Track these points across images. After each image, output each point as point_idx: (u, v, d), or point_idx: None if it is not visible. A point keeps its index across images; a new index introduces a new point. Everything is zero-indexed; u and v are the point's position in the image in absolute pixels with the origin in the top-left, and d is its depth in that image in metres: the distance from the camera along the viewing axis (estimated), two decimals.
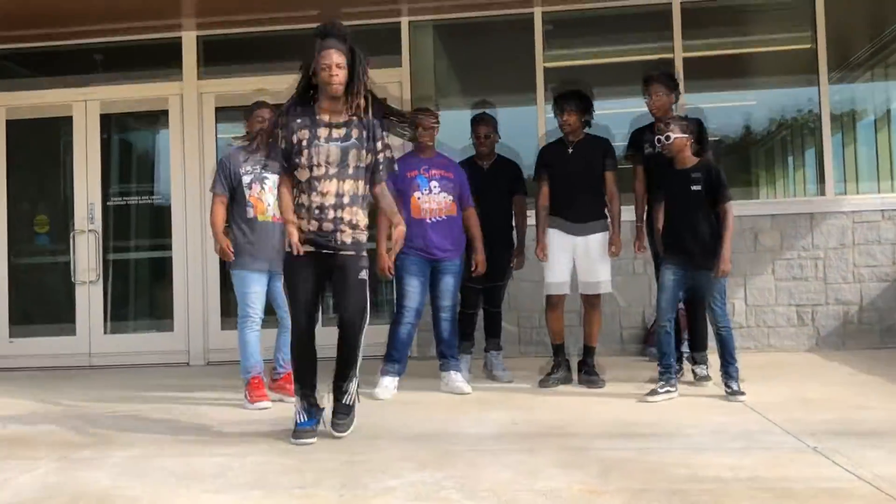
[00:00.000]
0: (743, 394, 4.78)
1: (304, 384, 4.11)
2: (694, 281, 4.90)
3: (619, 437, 3.88)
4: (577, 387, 5.39)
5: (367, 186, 4.14)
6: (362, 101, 4.05)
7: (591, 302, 5.48)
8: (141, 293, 8.52)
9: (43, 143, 8.40)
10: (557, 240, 5.45)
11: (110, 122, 8.24)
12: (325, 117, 4.06)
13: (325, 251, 4.02)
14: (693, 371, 5.46)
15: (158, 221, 8.15)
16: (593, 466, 3.33)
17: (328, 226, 3.99)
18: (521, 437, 3.99)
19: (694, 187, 4.86)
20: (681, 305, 5.46)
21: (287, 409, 4.85)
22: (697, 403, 4.72)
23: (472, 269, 5.54)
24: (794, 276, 7.15)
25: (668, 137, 4.90)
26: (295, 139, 4.03)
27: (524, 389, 5.38)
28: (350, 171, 4.03)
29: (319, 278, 4.08)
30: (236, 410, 4.98)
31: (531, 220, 5.84)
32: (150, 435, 4.32)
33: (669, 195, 5.01)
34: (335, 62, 3.94)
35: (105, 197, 8.10)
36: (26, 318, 8.18)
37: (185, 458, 3.75)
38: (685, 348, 6.02)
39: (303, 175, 4.03)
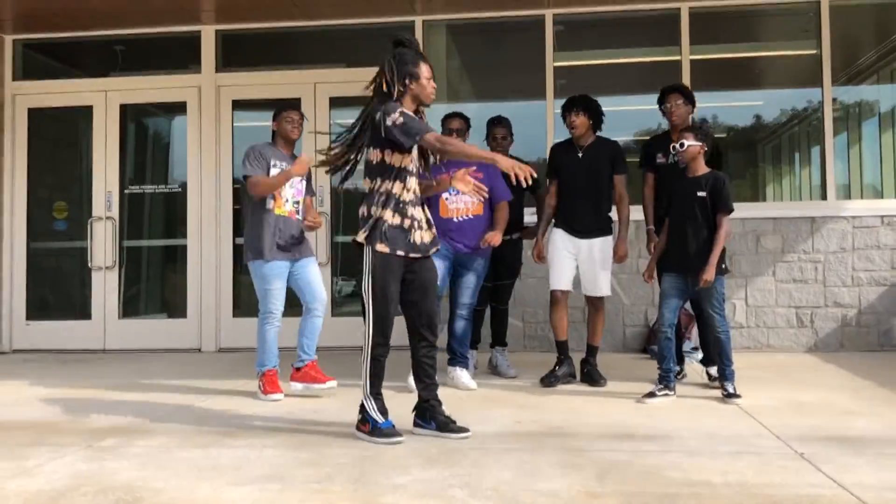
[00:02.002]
0: (738, 396, 4.96)
1: (379, 384, 4.16)
2: (693, 286, 5.06)
3: (617, 439, 4.06)
4: (579, 385, 5.58)
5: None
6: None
7: (593, 303, 5.67)
8: (155, 280, 8.74)
9: (64, 133, 8.63)
10: (562, 241, 5.63)
11: (129, 113, 8.44)
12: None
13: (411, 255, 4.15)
14: (707, 373, 5.62)
15: (174, 211, 8.37)
16: (591, 468, 3.52)
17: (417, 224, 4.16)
18: (523, 436, 4.17)
19: (700, 193, 5.02)
20: (688, 306, 5.65)
21: (304, 402, 5.09)
22: (695, 406, 4.90)
23: (481, 241, 5.55)
24: (794, 278, 7.33)
25: (682, 144, 5.06)
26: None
27: (528, 387, 5.57)
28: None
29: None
30: (250, 401, 5.17)
31: None
32: (170, 424, 4.53)
33: (675, 202, 5.17)
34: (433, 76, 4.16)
35: (123, 186, 8.33)
36: (43, 302, 8.42)
37: (205, 450, 3.95)
38: (688, 347, 6.24)
39: (406, 161, 4.11)
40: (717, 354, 5.21)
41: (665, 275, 5.21)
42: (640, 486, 3.27)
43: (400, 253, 4.10)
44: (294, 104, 5.62)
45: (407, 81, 4.08)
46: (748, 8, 7.76)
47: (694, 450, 3.83)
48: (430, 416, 4.22)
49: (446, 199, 5.56)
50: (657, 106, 5.78)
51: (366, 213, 4.14)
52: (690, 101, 5.70)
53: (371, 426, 4.09)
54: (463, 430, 4.16)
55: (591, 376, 5.58)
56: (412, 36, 4.35)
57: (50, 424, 4.60)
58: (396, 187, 4.10)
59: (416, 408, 4.29)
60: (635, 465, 3.55)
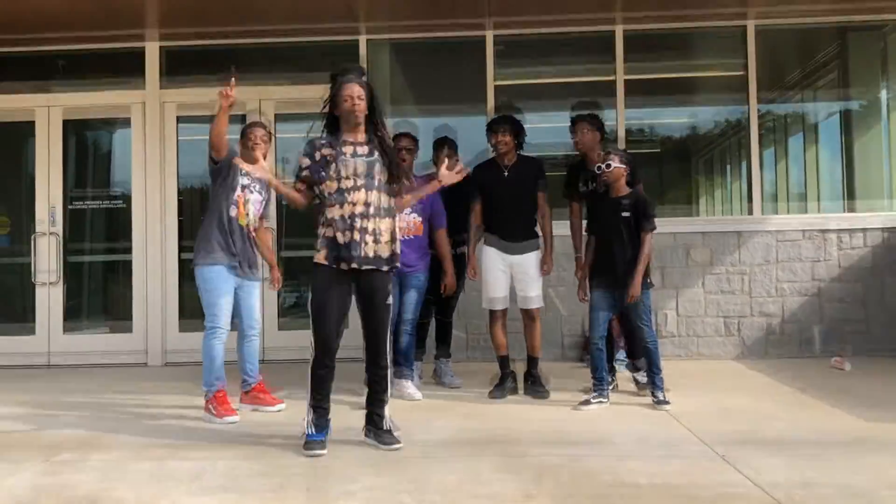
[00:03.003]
0: (668, 403, 5.27)
1: (320, 399, 4.34)
2: (621, 301, 5.34)
3: (555, 445, 4.32)
4: (521, 396, 5.79)
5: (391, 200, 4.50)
6: (383, 130, 4.52)
7: (529, 315, 5.88)
8: (101, 294, 8.74)
9: (5, 146, 8.58)
10: (493, 258, 5.84)
11: (73, 128, 8.45)
12: (350, 138, 4.45)
13: (352, 266, 4.33)
14: (634, 378, 5.90)
15: (119, 225, 8.38)
16: (529, 472, 3.76)
17: (356, 235, 4.33)
18: (467, 443, 4.41)
19: (624, 213, 5.33)
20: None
21: (253, 415, 5.24)
22: (628, 412, 5.19)
23: (442, 290, 5.94)
24: (722, 289, 7.70)
25: (608, 165, 5.34)
26: (318, 156, 4.40)
27: (472, 396, 5.80)
28: (376, 183, 4.41)
29: (347, 296, 4.41)
30: (199, 414, 5.26)
31: None
32: (123, 437, 4.65)
33: (601, 221, 5.48)
34: (357, 94, 4.39)
35: (66, 200, 8.32)
36: None
37: (160, 462, 4.09)
38: (621, 356, 6.52)
39: (331, 187, 4.38)
40: (646, 364, 5.49)
41: (594, 290, 5.49)
42: (574, 488, 3.52)
43: (342, 266, 4.32)
44: (260, 122, 5.65)
45: (331, 110, 4.48)
46: (679, 30, 8.12)
47: (625, 454, 4.10)
48: (372, 425, 4.43)
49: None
50: (569, 133, 6.04)
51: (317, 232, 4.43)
52: (598, 129, 5.97)
53: (305, 438, 4.28)
54: (394, 441, 4.33)
55: (536, 389, 5.79)
56: (347, 65, 4.62)
57: (2, 440, 4.67)
58: (334, 211, 4.36)
59: (366, 417, 4.49)
60: (570, 469, 3.81)
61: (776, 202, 8.11)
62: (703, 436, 4.44)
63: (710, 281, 7.71)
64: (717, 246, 7.72)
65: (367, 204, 4.36)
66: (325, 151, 4.42)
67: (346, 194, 4.36)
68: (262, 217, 5.61)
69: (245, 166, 4.71)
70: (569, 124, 6.05)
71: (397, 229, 4.52)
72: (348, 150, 4.41)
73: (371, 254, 4.35)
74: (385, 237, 4.41)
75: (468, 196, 6.19)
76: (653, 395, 5.35)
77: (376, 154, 4.44)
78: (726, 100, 8.38)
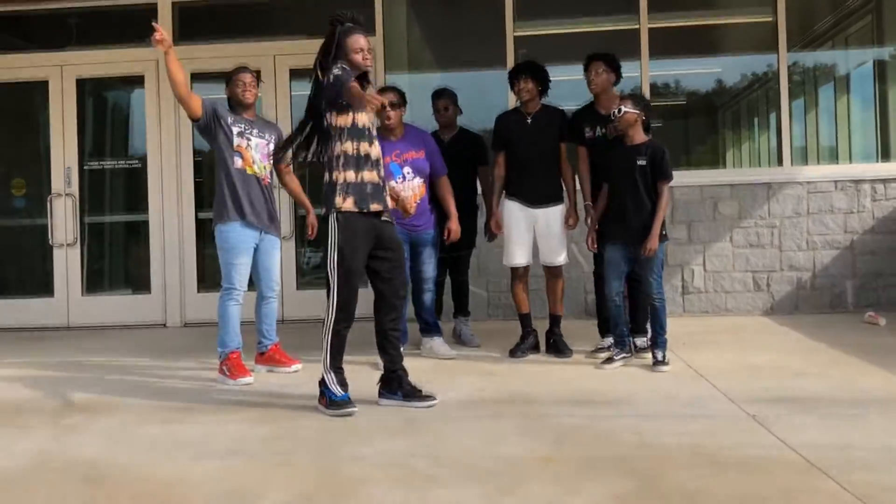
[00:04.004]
0: (666, 364, 5.02)
1: (340, 359, 4.21)
2: (635, 255, 5.14)
3: (576, 405, 4.17)
4: (542, 355, 5.64)
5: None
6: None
7: (552, 272, 5.67)
8: (118, 256, 8.67)
9: (20, 108, 8.47)
10: (517, 212, 5.62)
11: (86, 88, 8.32)
12: None
13: (381, 209, 4.25)
14: (633, 343, 5.54)
15: (135, 185, 8.28)
16: (550, 434, 3.61)
17: (381, 173, 4.28)
18: (486, 404, 4.26)
19: (640, 161, 5.07)
20: None
21: (268, 377, 5.13)
22: (649, 371, 5.00)
23: (445, 237, 5.74)
24: (750, 243, 7.46)
25: (619, 111, 5.09)
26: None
27: (491, 355, 5.65)
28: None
29: (369, 248, 4.26)
30: (213, 376, 5.14)
31: None
32: (133, 400, 4.56)
33: (614, 171, 5.21)
34: (369, 47, 4.25)
35: (82, 161, 8.22)
36: (4, 280, 8.33)
37: (167, 426, 3.99)
38: None
39: (360, 120, 4.21)
40: (651, 323, 5.23)
41: (608, 245, 5.25)
42: (596, 449, 3.37)
43: (371, 208, 4.18)
44: (245, 66, 5.40)
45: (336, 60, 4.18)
46: None
47: (650, 413, 3.94)
48: (396, 386, 4.29)
49: (393, 186, 5.52)
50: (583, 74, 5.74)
51: (326, 181, 4.23)
52: (614, 70, 5.65)
53: (328, 399, 4.15)
54: (429, 397, 4.23)
55: (557, 347, 5.60)
56: (347, 12, 4.33)
57: (12, 404, 4.60)
58: (349, 147, 4.18)
59: (382, 379, 4.35)
60: (592, 430, 3.66)
61: (805, 154, 7.82)
62: (732, 394, 4.26)
63: (739, 235, 7.47)
64: (746, 198, 7.47)
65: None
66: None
67: (366, 132, 4.23)
68: (281, 161, 5.32)
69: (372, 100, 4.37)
70: (583, 64, 5.77)
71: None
72: None
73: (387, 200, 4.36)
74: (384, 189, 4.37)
75: (476, 156, 6.01)
76: (653, 355, 5.11)
77: None
78: (754, 48, 8.07)
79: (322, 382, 4.19)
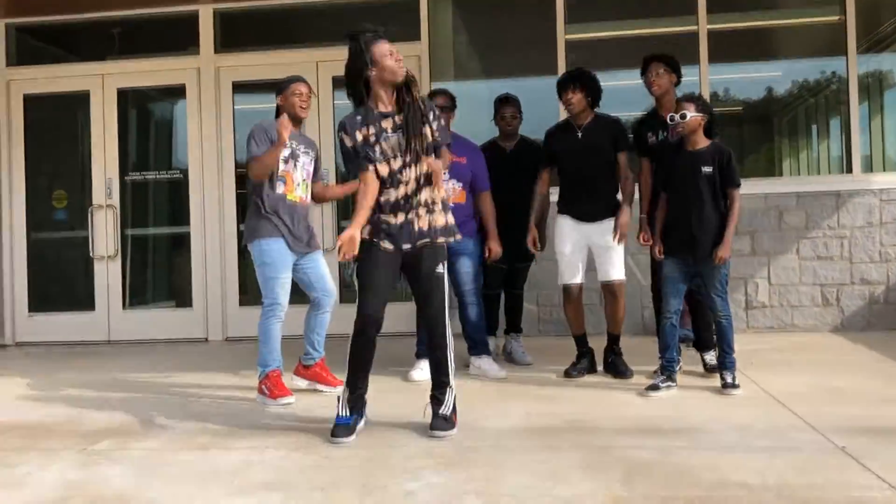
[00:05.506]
0: (737, 387, 4.65)
1: (358, 376, 3.97)
2: (698, 270, 4.76)
3: (642, 434, 3.81)
4: (599, 376, 5.27)
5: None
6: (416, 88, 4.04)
7: (611, 291, 5.30)
8: (159, 269, 8.51)
9: (61, 119, 8.39)
10: (568, 229, 5.30)
11: (128, 98, 8.19)
12: (383, 108, 3.98)
13: (404, 248, 3.95)
14: (703, 360, 5.27)
15: (176, 197, 8.13)
16: (616, 469, 3.27)
17: (410, 215, 3.95)
18: (542, 432, 3.93)
19: (705, 168, 4.70)
20: None
21: (310, 398, 4.85)
22: (719, 395, 4.63)
23: (486, 255, 5.47)
24: (818, 255, 7.05)
25: (683, 116, 4.73)
26: (360, 138, 3.94)
27: (544, 377, 5.31)
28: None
29: (396, 267, 4.02)
30: (253, 395, 4.89)
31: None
32: (169, 423, 4.31)
33: (676, 179, 4.82)
34: (396, 50, 3.95)
35: (123, 172, 8.09)
36: (46, 294, 8.21)
37: (204, 453, 3.72)
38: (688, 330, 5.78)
39: (382, 171, 3.94)
40: (718, 342, 4.85)
41: (666, 258, 4.88)
42: (672, 488, 3.02)
43: (387, 246, 3.93)
44: (300, 77, 5.12)
45: (367, 73, 3.91)
46: None
47: (727, 445, 3.57)
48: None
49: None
50: (640, 78, 5.43)
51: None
52: (674, 71, 5.33)
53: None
54: (440, 428, 3.89)
55: (616, 367, 5.25)
56: (363, 25, 4.04)
57: (44, 426, 4.37)
58: (389, 194, 3.95)
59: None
60: (664, 465, 3.30)
61: (871, 162, 7.36)
62: (814, 422, 3.87)
63: (806, 246, 7.05)
64: (813, 208, 7.05)
65: (417, 179, 3.95)
66: (365, 132, 3.94)
67: (398, 175, 3.92)
68: (317, 180, 5.18)
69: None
70: (641, 67, 5.43)
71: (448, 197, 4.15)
72: (387, 124, 3.96)
73: (426, 226, 3.96)
74: (439, 206, 4.01)
75: (532, 171, 5.65)
76: (721, 377, 4.72)
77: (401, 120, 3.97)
78: (817, 51, 7.65)
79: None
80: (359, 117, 3.96)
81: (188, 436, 4.05)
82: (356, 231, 3.84)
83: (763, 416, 4.08)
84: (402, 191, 3.93)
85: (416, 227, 3.94)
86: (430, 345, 4.07)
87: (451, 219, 4.06)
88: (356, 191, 4.03)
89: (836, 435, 3.64)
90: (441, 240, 4.00)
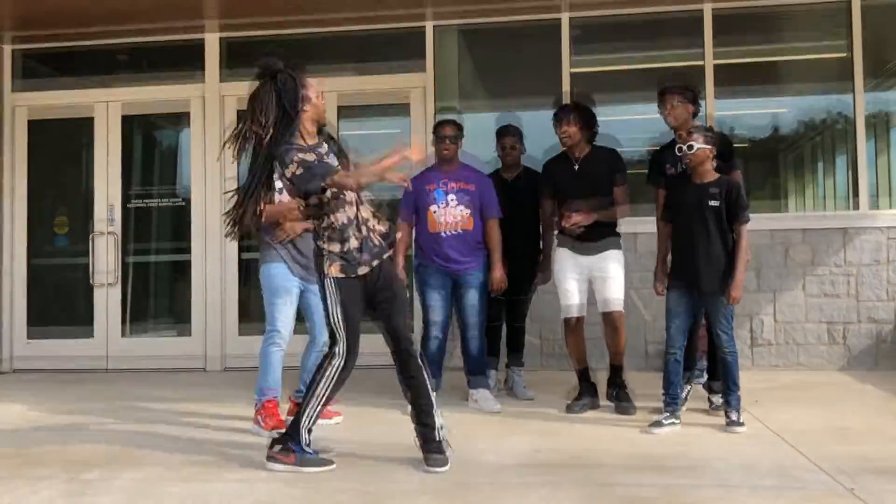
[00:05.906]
0: (742, 424, 4.55)
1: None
2: (703, 305, 4.68)
3: (645, 471, 3.71)
4: (602, 411, 5.16)
5: None
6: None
7: (611, 322, 5.20)
8: (159, 296, 8.43)
9: (64, 144, 8.35)
10: (568, 261, 5.23)
11: (132, 124, 8.17)
12: (310, 140, 4.01)
13: (372, 264, 3.94)
14: (709, 399, 5.15)
15: (178, 224, 8.07)
16: None
17: (363, 231, 3.97)
18: (542, 467, 3.83)
19: (712, 202, 4.62)
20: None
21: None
22: (723, 433, 4.52)
23: (490, 288, 5.41)
24: (825, 292, 6.95)
25: (690, 147, 4.66)
26: (312, 157, 3.91)
27: (546, 411, 5.20)
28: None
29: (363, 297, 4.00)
30: (248, 426, 4.81)
31: None
32: (160, 454, 4.22)
33: (682, 210, 4.75)
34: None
35: (125, 199, 8.05)
36: (44, 319, 8.14)
37: (192, 485, 3.63)
38: (701, 366, 5.68)
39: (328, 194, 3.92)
40: (723, 379, 4.75)
41: (671, 291, 4.79)
42: None
43: (360, 271, 3.91)
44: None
45: (300, 107, 3.92)
46: (774, 8, 7.39)
47: (731, 484, 3.47)
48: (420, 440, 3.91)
49: (434, 212, 5.36)
50: (657, 110, 5.36)
51: (317, 250, 3.98)
52: (691, 101, 5.25)
53: (298, 455, 3.84)
54: (435, 465, 3.78)
55: (620, 402, 5.15)
56: (276, 61, 4.09)
57: (33, 453, 4.29)
58: (339, 217, 3.91)
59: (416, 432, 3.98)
60: (667, 503, 3.20)
61: (878, 197, 7.29)
62: (821, 462, 3.77)
63: (812, 283, 6.96)
64: (820, 244, 6.96)
65: (357, 199, 3.97)
66: (310, 157, 3.90)
67: (342, 195, 3.90)
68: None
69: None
70: (657, 98, 5.33)
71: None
72: (321, 148, 3.99)
73: (377, 241, 3.96)
74: (376, 217, 4.05)
75: (534, 202, 5.63)
76: (726, 414, 4.63)
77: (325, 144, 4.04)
78: (823, 86, 7.61)
79: (293, 434, 3.85)
80: (296, 146, 3.92)
81: (177, 466, 3.97)
82: None
83: (768, 454, 3.99)
84: (350, 211, 3.92)
85: (374, 242, 3.95)
86: (403, 372, 3.97)
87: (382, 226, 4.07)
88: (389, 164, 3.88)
89: (843, 475, 3.54)
90: (390, 250, 4.05)
